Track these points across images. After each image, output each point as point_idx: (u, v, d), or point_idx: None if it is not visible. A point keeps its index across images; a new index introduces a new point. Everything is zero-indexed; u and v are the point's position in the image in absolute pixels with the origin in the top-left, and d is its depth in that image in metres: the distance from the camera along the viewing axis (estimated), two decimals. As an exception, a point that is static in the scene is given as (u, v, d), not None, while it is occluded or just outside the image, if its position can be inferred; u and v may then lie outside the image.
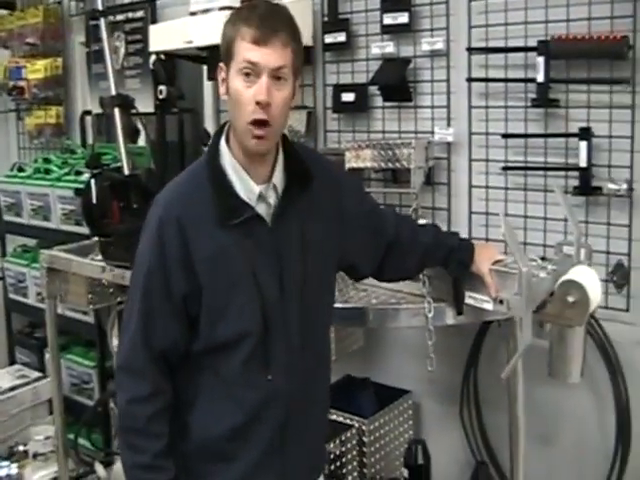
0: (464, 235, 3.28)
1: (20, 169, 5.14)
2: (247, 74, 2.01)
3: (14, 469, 4.20)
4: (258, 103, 2.00)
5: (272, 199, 2.15)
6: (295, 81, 2.09)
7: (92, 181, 3.52)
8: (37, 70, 5.31)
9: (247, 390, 2.15)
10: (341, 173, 2.53)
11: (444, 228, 3.36)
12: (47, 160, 4.95)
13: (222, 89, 2.09)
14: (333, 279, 2.38)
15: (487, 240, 3.30)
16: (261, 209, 2.13)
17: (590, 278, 2.34)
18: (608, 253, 3.04)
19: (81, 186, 3.87)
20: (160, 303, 2.10)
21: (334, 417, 3.42)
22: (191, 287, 2.08)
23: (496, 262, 2.46)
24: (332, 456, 3.23)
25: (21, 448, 4.48)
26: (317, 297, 2.25)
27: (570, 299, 2.31)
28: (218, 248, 2.08)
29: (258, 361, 2.14)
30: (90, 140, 4.52)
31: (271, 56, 2.00)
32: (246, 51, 2.00)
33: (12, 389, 4.69)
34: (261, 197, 2.12)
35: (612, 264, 3.04)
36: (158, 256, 2.09)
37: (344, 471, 3.28)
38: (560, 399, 3.20)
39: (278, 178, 2.16)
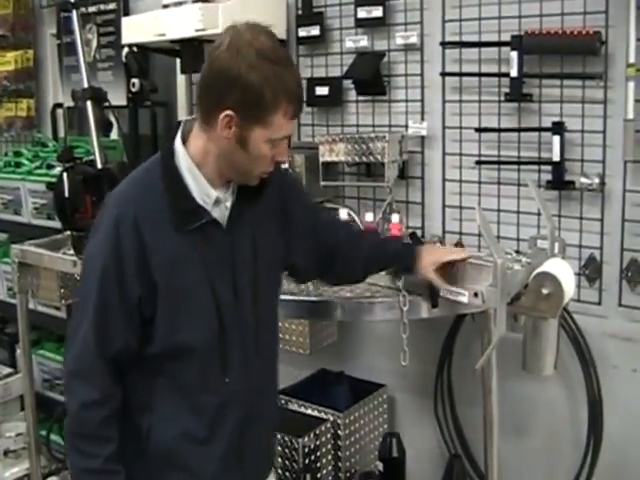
0: (438, 230, 3.34)
1: (-10, 163, 5.09)
2: None
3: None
4: (277, 162, 2.09)
5: (229, 202, 2.14)
6: None
7: (64, 175, 3.48)
8: (7, 62, 5.26)
9: (205, 394, 2.13)
10: (287, 175, 2.53)
11: (418, 222, 3.39)
12: (18, 153, 4.89)
13: (226, 133, 1.99)
14: (280, 280, 2.38)
15: (461, 234, 3.31)
16: (216, 213, 2.11)
17: (564, 271, 2.36)
18: (580, 247, 3.07)
19: (53, 180, 3.83)
20: (115, 304, 2.04)
21: (309, 411, 3.43)
22: (146, 288, 2.04)
23: (445, 264, 2.45)
24: (307, 450, 3.23)
25: (-8, 445, 4.44)
26: (267, 298, 2.27)
27: (544, 291, 2.33)
28: (174, 252, 2.05)
29: (215, 364, 2.13)
30: (62, 133, 4.50)
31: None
32: (286, 125, 2.01)
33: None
34: (217, 201, 2.11)
35: (584, 257, 3.06)
36: (114, 255, 2.03)
37: (319, 464, 3.28)
38: (533, 391, 3.23)
39: (233, 185, 2.16)
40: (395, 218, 3.04)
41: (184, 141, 2.09)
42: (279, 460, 3.27)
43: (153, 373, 2.12)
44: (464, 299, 2.41)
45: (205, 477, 2.17)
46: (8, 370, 4.85)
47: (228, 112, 1.96)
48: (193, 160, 2.07)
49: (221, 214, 2.12)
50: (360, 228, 2.73)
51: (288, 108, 1.97)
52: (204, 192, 2.08)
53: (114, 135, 4.02)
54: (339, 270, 2.48)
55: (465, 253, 2.53)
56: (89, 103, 3.64)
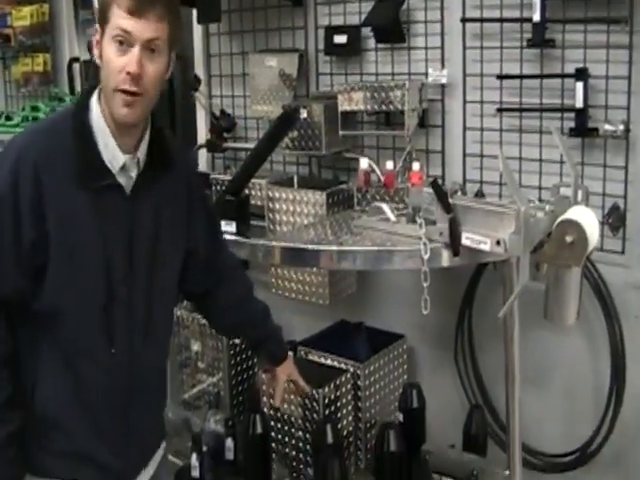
0: (458, 179, 3.30)
1: (8, 117, 5.07)
2: (120, 42, 1.95)
3: None
4: (128, 74, 1.95)
5: (134, 173, 2.09)
6: (170, 53, 2.04)
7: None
8: (23, 17, 5.21)
9: (90, 363, 2.10)
10: (198, 178, 2.53)
11: (438, 171, 3.35)
12: (35, 108, 4.88)
13: (96, 51, 2.02)
14: (179, 268, 2.32)
15: (481, 183, 3.28)
16: (121, 179, 2.07)
17: (588, 218, 2.34)
18: (604, 195, 3.02)
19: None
20: (8, 246, 1.98)
21: (328, 362, 3.43)
22: (39, 238, 1.98)
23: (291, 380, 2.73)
24: (327, 400, 3.22)
25: None
26: (165, 277, 2.23)
27: (568, 239, 2.30)
28: (72, 208, 2.00)
29: (101, 334, 2.09)
30: (79, 88, 4.46)
31: (145, 28, 1.95)
32: (120, 19, 1.94)
33: None
34: (124, 168, 2.06)
35: (608, 206, 3.02)
36: (10, 196, 1.97)
37: (339, 415, 3.27)
38: (555, 342, 3.21)
39: (142, 153, 2.10)
40: (416, 166, 3.01)
41: (99, 101, 2.05)
42: (299, 411, 3.28)
43: (39, 335, 2.08)
44: (486, 247, 2.38)
45: (87, 444, 2.14)
46: None
47: (95, 26, 2.01)
48: (105, 119, 2.03)
49: (126, 182, 2.08)
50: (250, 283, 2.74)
51: (123, 1, 1.93)
52: (112, 155, 2.04)
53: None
54: (218, 299, 2.54)
55: (307, 390, 2.82)
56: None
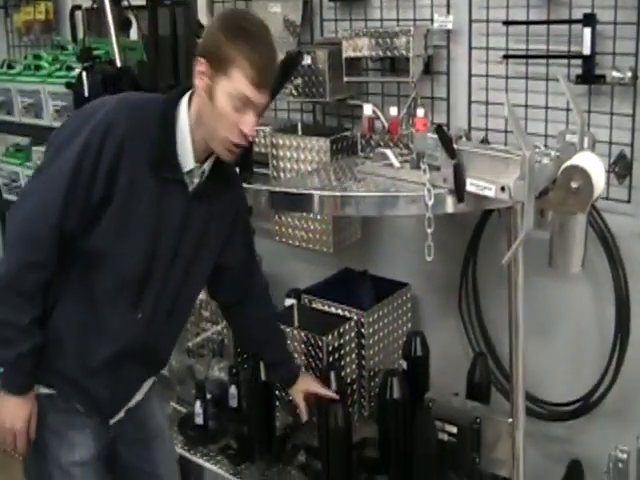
0: (464, 125, 3.27)
1: (10, 66, 5.02)
2: (238, 101, 2.18)
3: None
4: (243, 133, 2.21)
5: (196, 180, 2.32)
6: None
7: (84, 74, 3.45)
8: (24, -35, 5.17)
9: (116, 321, 2.31)
10: (244, 199, 2.68)
11: (443, 119, 3.32)
12: (37, 56, 4.82)
13: (199, 82, 2.21)
14: (208, 274, 2.56)
15: (487, 131, 3.25)
16: (186, 180, 2.30)
17: (594, 164, 2.31)
18: (610, 143, 2.99)
19: (73, 80, 3.79)
20: (84, 184, 2.15)
21: (332, 310, 3.44)
22: (108, 196, 2.17)
23: (309, 392, 2.91)
24: (330, 348, 3.23)
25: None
26: (197, 276, 2.48)
27: (573, 185, 2.28)
28: (141, 183, 2.20)
29: (129, 299, 2.31)
30: (81, 35, 4.42)
31: (263, 97, 2.21)
32: (244, 87, 2.16)
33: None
34: (189, 173, 2.29)
35: (614, 155, 2.99)
36: (96, 148, 2.14)
37: (343, 363, 3.29)
38: (559, 291, 3.20)
39: (208, 166, 2.34)
40: (420, 112, 2.97)
41: (189, 106, 2.27)
42: (303, 358, 3.30)
43: (73, 266, 2.28)
44: (490, 193, 2.37)
45: (83, 377, 2.35)
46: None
47: (200, 59, 2.18)
48: (190, 120, 2.25)
49: (188, 179, 2.31)
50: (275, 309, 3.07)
51: (250, 71, 2.14)
52: (185, 157, 2.26)
53: (134, 36, 3.95)
54: (245, 313, 2.80)
55: (330, 393, 2.95)
56: (107, 2, 3.59)
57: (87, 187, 2.14)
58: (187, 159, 2.26)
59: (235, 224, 2.55)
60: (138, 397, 2.58)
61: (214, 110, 2.19)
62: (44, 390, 2.37)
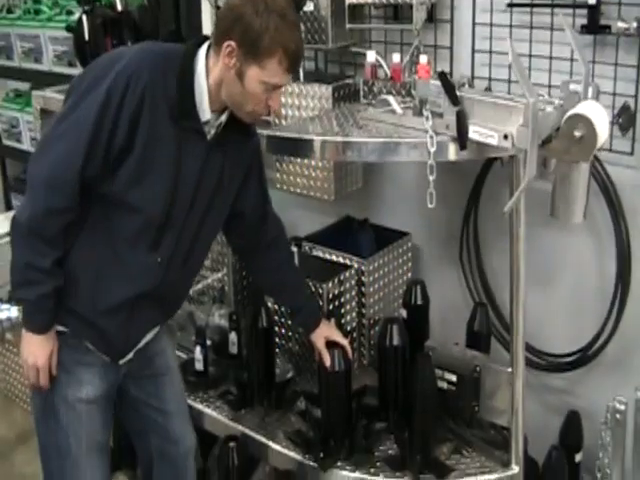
0: (467, 73, 3.24)
1: (9, 10, 4.99)
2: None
3: (14, 312, 4.20)
4: (269, 107, 2.35)
5: (213, 130, 2.40)
6: None
7: (84, 17, 3.43)
8: None
9: (134, 264, 2.40)
10: (261, 155, 2.76)
11: (446, 67, 3.29)
12: (37, 0, 4.80)
13: (226, 60, 2.26)
14: (223, 222, 2.66)
15: (490, 80, 3.22)
16: (205, 127, 2.38)
17: (598, 113, 2.30)
18: (614, 95, 2.95)
19: (73, 25, 3.77)
20: (107, 130, 2.21)
21: (333, 257, 3.44)
22: (128, 145, 2.24)
23: (330, 341, 2.91)
24: (331, 295, 3.24)
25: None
26: (214, 221, 2.57)
27: (577, 134, 2.27)
28: (161, 131, 2.27)
29: (150, 241, 2.38)
30: (81, -21, 4.37)
31: (290, 78, 2.37)
32: (279, 76, 2.27)
33: (9, 234, 4.65)
34: (207, 123, 2.37)
35: (618, 106, 2.96)
36: (119, 96, 2.20)
37: (343, 311, 3.29)
38: (561, 242, 3.19)
39: (225, 117, 2.42)
40: (423, 59, 2.94)
41: (207, 58, 2.32)
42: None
43: (92, 209, 2.36)
44: (493, 141, 2.36)
45: (98, 317, 2.44)
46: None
47: (231, 42, 2.22)
48: (207, 75, 2.31)
49: (207, 129, 2.38)
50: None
51: (283, 59, 2.23)
52: (202, 108, 2.33)
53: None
54: (262, 257, 2.88)
55: (347, 343, 2.95)
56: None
57: (109, 136, 2.21)
58: (204, 110, 2.33)
59: (250, 172, 2.64)
60: (148, 337, 2.66)
61: (243, 90, 2.28)
62: (57, 327, 2.45)
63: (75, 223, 2.34)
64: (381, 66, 3.17)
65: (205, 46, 2.34)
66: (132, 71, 2.21)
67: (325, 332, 2.93)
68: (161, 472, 2.86)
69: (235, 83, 2.27)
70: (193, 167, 2.36)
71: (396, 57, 3.10)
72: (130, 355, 2.59)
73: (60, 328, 2.45)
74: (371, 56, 3.13)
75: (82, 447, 2.52)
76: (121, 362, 2.57)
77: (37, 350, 2.40)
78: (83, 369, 2.49)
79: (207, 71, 2.31)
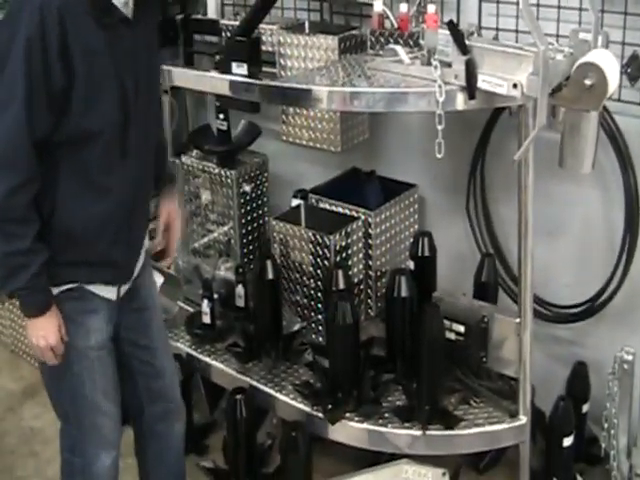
0: (475, 23, 3.21)
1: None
2: None
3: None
4: None
5: (130, 3, 2.30)
6: None
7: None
8: None
9: (110, 177, 2.35)
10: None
11: (453, 17, 3.25)
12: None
13: None
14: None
15: (497, 30, 3.18)
16: (125, 11, 2.29)
17: (608, 61, 2.29)
18: (623, 44, 2.93)
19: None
20: (42, 85, 2.13)
21: (339, 209, 3.43)
22: (67, 78, 2.16)
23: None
24: (338, 247, 3.24)
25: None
26: (155, 99, 2.60)
27: (587, 82, 2.26)
28: (93, 43, 2.19)
29: (116, 149, 2.33)
30: None
31: None
32: None
33: None
34: (127, 3, 2.28)
35: (627, 56, 2.94)
36: (39, 39, 2.11)
37: (350, 262, 3.30)
38: (569, 193, 3.18)
39: None
40: (431, 8, 2.91)
41: None
42: (310, 258, 3.32)
43: (59, 163, 2.29)
44: (502, 90, 2.34)
45: (107, 251, 2.43)
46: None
47: None
48: None
49: (127, 13, 2.29)
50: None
51: None
52: None
53: None
54: None
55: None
56: None
57: (46, 85, 2.14)
58: None
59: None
60: (139, 264, 2.64)
61: None
62: (61, 288, 2.41)
63: (48, 185, 2.28)
64: (388, 17, 3.14)
65: None
66: (40, 4, 2.10)
67: (169, 206, 2.83)
68: (152, 411, 2.81)
69: None
70: (128, 57, 2.30)
71: (403, 7, 3.06)
72: (130, 283, 2.59)
73: (63, 288, 2.41)
74: (378, 6, 3.09)
75: (98, 390, 2.53)
76: (122, 291, 2.55)
77: (45, 330, 2.37)
78: (89, 317, 2.48)
79: None
